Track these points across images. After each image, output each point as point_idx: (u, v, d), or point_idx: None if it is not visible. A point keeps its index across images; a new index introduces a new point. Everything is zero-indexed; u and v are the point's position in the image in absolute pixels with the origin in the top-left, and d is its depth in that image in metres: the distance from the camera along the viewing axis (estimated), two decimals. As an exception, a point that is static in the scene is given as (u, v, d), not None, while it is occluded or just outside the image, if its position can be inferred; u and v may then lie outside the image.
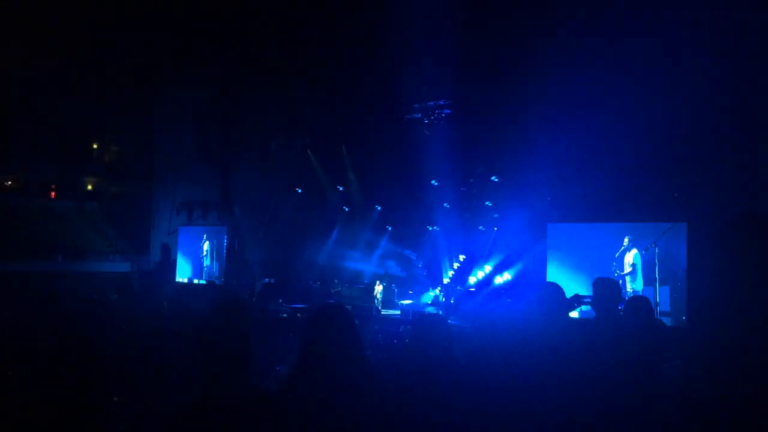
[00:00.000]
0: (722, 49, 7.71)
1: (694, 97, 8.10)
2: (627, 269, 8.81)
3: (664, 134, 8.55)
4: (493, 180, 11.60)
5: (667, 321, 7.95)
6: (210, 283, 14.99)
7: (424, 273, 13.55)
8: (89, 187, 18.93)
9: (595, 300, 3.82)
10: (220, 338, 2.35)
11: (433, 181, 12.24)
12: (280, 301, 12.57)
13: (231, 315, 2.45)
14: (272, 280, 13.74)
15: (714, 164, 8.29)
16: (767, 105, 7.82)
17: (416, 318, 3.27)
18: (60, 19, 12.14)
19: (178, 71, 14.71)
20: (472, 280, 11.79)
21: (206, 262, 15.35)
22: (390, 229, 13.67)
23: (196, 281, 15.37)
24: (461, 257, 12.44)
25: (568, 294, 4.12)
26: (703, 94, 8.08)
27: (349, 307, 8.61)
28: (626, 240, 8.84)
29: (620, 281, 8.47)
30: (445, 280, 12.56)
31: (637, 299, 3.71)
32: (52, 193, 17.58)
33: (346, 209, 14.09)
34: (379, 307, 11.65)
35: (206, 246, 15.59)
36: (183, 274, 15.81)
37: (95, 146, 18.88)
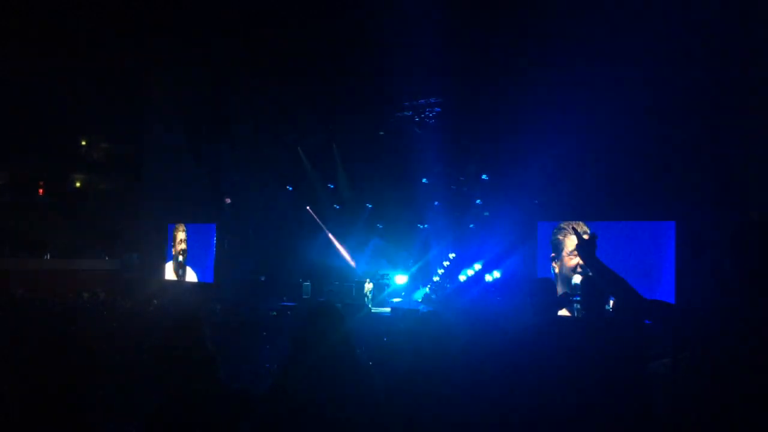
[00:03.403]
0: (711, 51, 7.77)
1: (683, 98, 8.17)
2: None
3: (653, 134, 8.61)
4: (483, 178, 11.63)
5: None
6: (199, 282, 14.94)
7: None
8: (77, 184, 18.78)
9: (532, 302, 3.69)
10: (177, 352, 2.59)
11: (423, 180, 12.25)
12: (271, 298, 12.53)
13: (186, 334, 2.66)
14: (263, 278, 13.71)
15: (703, 164, 8.36)
16: (755, 105, 7.89)
17: (409, 315, 3.26)
18: (46, 16, 12.02)
19: (168, 68, 14.62)
20: (462, 278, 11.81)
21: (195, 259, 15.29)
22: (380, 227, 13.66)
23: (179, 278, 15.32)
24: (451, 255, 12.45)
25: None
26: (692, 95, 8.14)
27: (339, 305, 8.58)
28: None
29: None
30: (436, 278, 12.57)
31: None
32: (40, 190, 17.45)
33: (337, 207, 14.06)
34: (370, 305, 11.64)
35: (194, 243, 15.53)
36: (172, 272, 15.74)
37: (84, 143, 18.71)
